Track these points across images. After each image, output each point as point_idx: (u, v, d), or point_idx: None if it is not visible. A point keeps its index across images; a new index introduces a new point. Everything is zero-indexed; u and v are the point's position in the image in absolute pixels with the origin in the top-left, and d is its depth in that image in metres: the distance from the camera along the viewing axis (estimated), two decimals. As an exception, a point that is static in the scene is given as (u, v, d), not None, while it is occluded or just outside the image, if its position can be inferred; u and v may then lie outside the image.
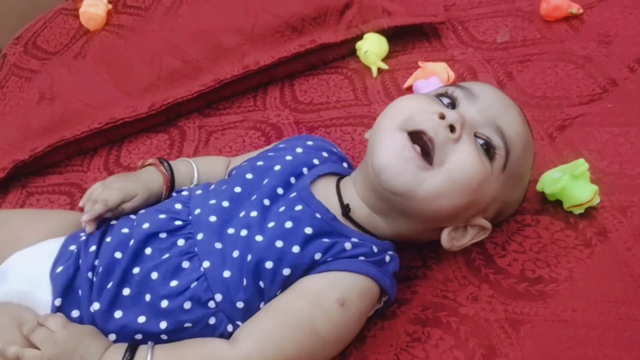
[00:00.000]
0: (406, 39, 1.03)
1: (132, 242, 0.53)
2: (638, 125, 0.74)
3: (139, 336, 0.50)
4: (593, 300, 0.56)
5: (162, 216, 0.55)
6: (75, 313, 0.53)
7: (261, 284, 0.51)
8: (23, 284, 0.56)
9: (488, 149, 0.52)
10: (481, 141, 0.52)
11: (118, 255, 0.53)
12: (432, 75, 0.87)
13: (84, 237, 0.59)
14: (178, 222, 0.55)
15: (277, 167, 0.58)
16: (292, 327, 0.48)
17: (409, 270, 0.62)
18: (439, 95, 0.56)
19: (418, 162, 0.50)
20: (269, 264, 0.50)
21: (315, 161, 0.60)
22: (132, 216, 0.58)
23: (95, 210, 0.57)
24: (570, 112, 0.78)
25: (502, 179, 0.54)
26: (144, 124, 0.97)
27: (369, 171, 0.54)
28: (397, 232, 0.57)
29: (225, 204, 0.55)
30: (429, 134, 0.50)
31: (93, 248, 0.57)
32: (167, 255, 0.52)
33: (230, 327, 0.51)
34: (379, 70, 0.97)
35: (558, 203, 0.65)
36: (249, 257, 0.51)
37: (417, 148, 0.51)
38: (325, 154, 0.62)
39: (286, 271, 0.50)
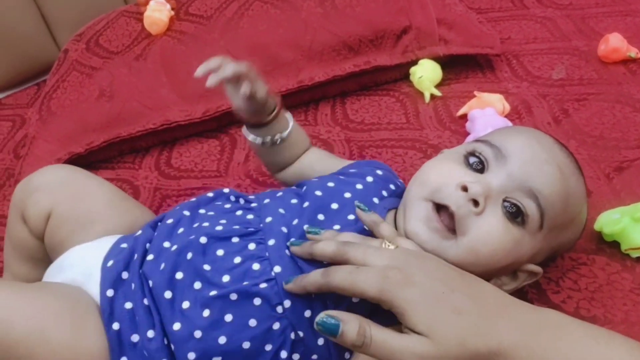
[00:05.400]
0: (459, 68, 1.04)
1: (203, 239, 0.53)
2: (698, 173, 0.73)
3: (198, 333, 0.49)
4: (650, 346, 0.55)
5: (236, 227, 0.55)
6: (128, 305, 0.53)
7: (328, 301, 0.51)
8: (77, 275, 0.56)
9: (518, 214, 0.51)
10: (511, 207, 0.51)
11: (189, 255, 0.53)
12: (488, 105, 0.87)
13: (139, 233, 0.59)
14: (250, 229, 0.55)
15: (348, 195, 0.58)
16: None
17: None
18: (469, 154, 0.55)
19: (442, 232, 0.51)
20: None
21: (384, 193, 0.60)
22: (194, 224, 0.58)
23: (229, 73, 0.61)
24: (628, 154, 0.78)
25: (541, 235, 0.53)
26: (197, 129, 0.99)
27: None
28: None
29: (295, 221, 0.55)
30: (451, 208, 0.51)
31: (147, 246, 0.57)
32: (238, 259, 0.52)
33: (292, 335, 0.50)
34: (432, 96, 0.98)
35: (614, 244, 0.65)
36: None
37: (444, 219, 0.52)
38: (392, 187, 0.62)
39: None
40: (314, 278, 0.48)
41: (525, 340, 0.42)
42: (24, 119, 1.12)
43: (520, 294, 0.61)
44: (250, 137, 0.70)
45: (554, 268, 0.63)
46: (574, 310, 0.59)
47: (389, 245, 0.50)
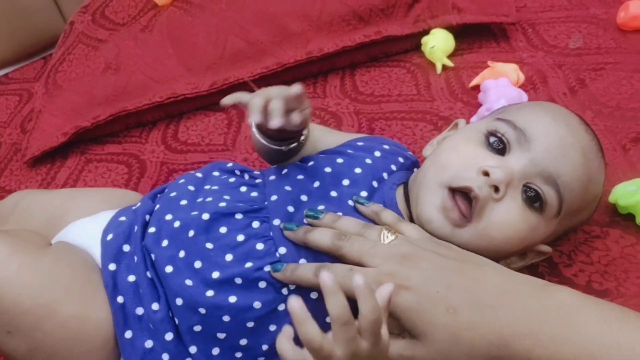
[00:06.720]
0: (473, 37, 1.00)
1: (205, 216, 0.52)
2: None
3: (202, 310, 0.49)
4: (664, 321, 0.53)
5: (240, 204, 0.54)
6: (131, 278, 0.52)
7: None
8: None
9: (537, 199, 0.50)
10: (530, 192, 0.50)
11: (191, 233, 0.52)
12: (502, 76, 0.85)
13: (138, 205, 0.59)
14: (255, 207, 0.54)
15: (358, 170, 0.57)
16: None
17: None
18: (490, 134, 0.53)
19: (456, 221, 0.50)
20: None
21: (393, 167, 0.59)
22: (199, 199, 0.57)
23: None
24: (646, 125, 0.75)
25: (556, 221, 0.52)
26: (204, 102, 0.97)
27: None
28: None
29: (304, 197, 0.54)
30: (474, 191, 0.49)
31: (147, 217, 0.56)
32: (241, 237, 0.51)
33: None
34: (444, 67, 0.95)
35: (629, 217, 0.63)
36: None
37: (460, 205, 0.50)
38: (401, 160, 0.61)
39: None
40: (306, 276, 0.47)
41: (530, 329, 0.40)
42: (30, 93, 1.11)
43: (531, 267, 0.60)
44: (264, 140, 0.59)
45: (566, 241, 0.62)
46: (586, 284, 0.58)
47: (387, 236, 0.48)
